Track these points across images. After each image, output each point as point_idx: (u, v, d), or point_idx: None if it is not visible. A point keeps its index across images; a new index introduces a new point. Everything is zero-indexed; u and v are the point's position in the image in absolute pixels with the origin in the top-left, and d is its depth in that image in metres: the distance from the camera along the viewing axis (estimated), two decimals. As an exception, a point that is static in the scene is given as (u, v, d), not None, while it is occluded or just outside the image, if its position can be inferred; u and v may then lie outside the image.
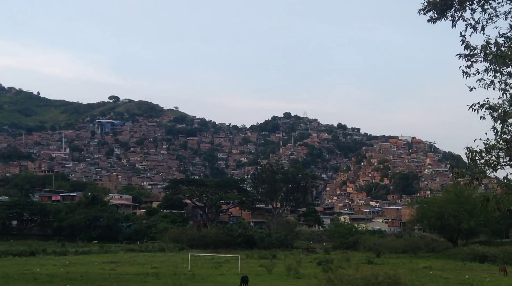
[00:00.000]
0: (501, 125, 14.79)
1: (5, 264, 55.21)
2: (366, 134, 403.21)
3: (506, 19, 14.67)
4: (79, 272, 47.26)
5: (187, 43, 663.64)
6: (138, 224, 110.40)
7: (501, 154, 14.84)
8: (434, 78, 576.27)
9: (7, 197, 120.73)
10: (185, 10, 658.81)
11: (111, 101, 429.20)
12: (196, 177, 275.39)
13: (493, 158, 14.81)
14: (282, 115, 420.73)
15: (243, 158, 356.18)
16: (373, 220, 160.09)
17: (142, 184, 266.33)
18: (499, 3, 14.57)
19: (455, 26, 14.77)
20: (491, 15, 14.68)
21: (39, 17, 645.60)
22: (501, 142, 14.76)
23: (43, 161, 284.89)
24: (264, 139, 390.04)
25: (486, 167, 14.91)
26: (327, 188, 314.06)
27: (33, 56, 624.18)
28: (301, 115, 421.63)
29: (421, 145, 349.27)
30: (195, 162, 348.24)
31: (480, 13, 14.72)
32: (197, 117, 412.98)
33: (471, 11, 14.77)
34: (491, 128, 14.92)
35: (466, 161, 15.47)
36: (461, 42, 14.44)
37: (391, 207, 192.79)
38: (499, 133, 14.83)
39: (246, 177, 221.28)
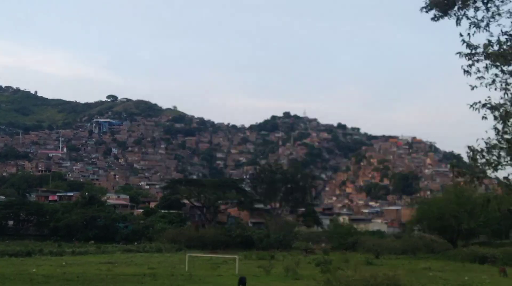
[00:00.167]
0: (502, 125, 14.56)
1: (1, 264, 54.91)
2: (366, 134, 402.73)
3: (509, 17, 14.45)
4: (76, 272, 46.97)
5: (186, 42, 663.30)
6: (135, 224, 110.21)
7: (502, 153, 14.62)
8: (435, 77, 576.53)
9: (3, 197, 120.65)
10: (183, 8, 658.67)
11: (109, 100, 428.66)
12: (195, 177, 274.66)
13: (494, 157, 14.59)
14: (282, 115, 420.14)
15: (242, 158, 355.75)
16: (372, 220, 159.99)
17: (140, 184, 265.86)
18: (502, 1, 14.33)
19: (459, 24, 14.54)
20: (494, 14, 14.46)
21: (37, 16, 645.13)
22: (502, 142, 14.53)
23: (40, 160, 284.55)
24: (263, 138, 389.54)
25: (487, 167, 14.68)
26: (327, 188, 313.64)
27: (30, 55, 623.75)
28: (301, 115, 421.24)
29: (422, 145, 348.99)
30: (193, 161, 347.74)
31: (484, 12, 14.50)
32: (195, 117, 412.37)
33: (474, 9, 14.54)
34: (493, 128, 14.69)
35: (467, 161, 15.26)
36: (462, 41, 14.20)
37: (390, 208, 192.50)
38: (500, 133, 14.61)
39: (245, 177, 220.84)
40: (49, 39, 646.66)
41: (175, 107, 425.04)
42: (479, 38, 14.34)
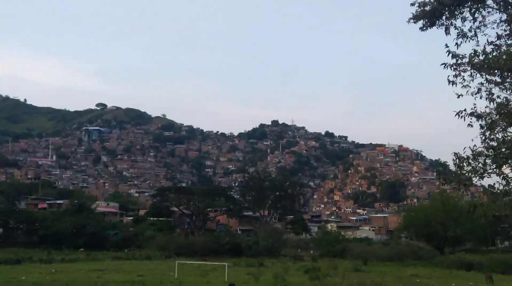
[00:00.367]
0: (488, 133, 14.96)
1: (-10, 272, 54.76)
2: (353, 142, 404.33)
3: (494, 27, 14.87)
4: (66, 280, 47.01)
5: (175, 51, 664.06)
6: (125, 232, 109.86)
7: (488, 161, 15.00)
8: (421, 86, 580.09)
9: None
10: (173, 18, 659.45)
11: (98, 108, 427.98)
12: (184, 184, 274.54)
13: (480, 165, 14.98)
14: (270, 123, 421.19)
15: (230, 166, 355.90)
16: (360, 228, 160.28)
17: (129, 191, 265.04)
18: (488, 12, 14.76)
19: (449, 33, 14.94)
20: (481, 24, 14.88)
21: (26, 24, 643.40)
22: (488, 150, 14.92)
23: (30, 168, 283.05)
24: (251, 146, 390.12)
25: (473, 174, 15.06)
26: (315, 196, 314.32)
27: (20, 62, 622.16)
28: (289, 123, 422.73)
29: (408, 153, 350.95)
30: (182, 169, 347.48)
31: (470, 22, 14.92)
32: (184, 125, 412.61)
33: (462, 19, 14.95)
34: (479, 135, 15.10)
35: (453, 168, 15.63)
36: (447, 52, 14.61)
37: (378, 215, 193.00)
38: (486, 140, 15.00)
39: (233, 184, 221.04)
40: (39, 47, 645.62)
41: (164, 115, 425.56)
42: (466, 48, 14.78)
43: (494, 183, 15.05)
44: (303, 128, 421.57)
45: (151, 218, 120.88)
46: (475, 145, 15.03)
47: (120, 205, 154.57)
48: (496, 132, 15.02)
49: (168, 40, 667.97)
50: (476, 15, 14.86)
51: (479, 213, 15.24)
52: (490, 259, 70.16)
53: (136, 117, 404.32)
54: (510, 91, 14.69)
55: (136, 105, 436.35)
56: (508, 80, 14.59)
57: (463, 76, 14.89)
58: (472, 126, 14.97)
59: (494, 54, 14.70)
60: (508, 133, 14.85)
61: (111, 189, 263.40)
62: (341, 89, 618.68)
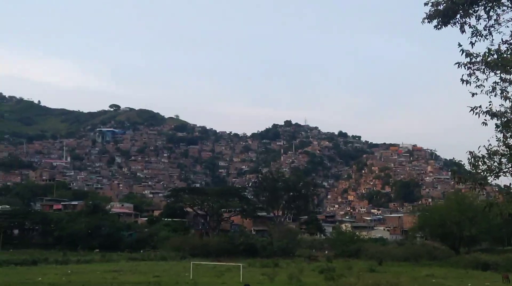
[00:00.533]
0: (504, 131, 14.88)
1: (7, 273, 55.18)
2: (367, 142, 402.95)
3: (508, 26, 14.80)
4: (81, 281, 47.32)
5: (188, 51, 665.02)
6: (139, 233, 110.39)
7: (504, 160, 14.93)
8: (435, 85, 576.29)
9: (8, 206, 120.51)
10: (185, 18, 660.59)
11: (111, 109, 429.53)
12: (198, 185, 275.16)
13: (495, 164, 14.91)
14: (283, 123, 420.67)
15: (244, 166, 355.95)
16: (374, 228, 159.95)
17: (144, 192, 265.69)
18: (503, 10, 14.69)
19: (464, 32, 14.88)
20: (495, 23, 14.81)
21: (40, 26, 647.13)
22: (503, 148, 14.85)
23: (44, 170, 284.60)
24: (265, 147, 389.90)
25: (488, 173, 14.99)
26: (329, 196, 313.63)
27: (33, 65, 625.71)
28: (302, 123, 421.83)
29: (422, 153, 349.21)
30: (196, 170, 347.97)
31: (485, 20, 14.85)
32: (198, 126, 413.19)
33: (476, 18, 14.89)
34: (495, 133, 15.01)
35: (468, 168, 15.55)
36: (461, 51, 14.56)
37: (392, 215, 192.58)
38: (502, 139, 14.92)
39: (247, 185, 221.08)
40: (52, 49, 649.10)
41: (177, 116, 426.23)
42: (480, 47, 14.71)
43: (510, 183, 14.97)
44: (316, 128, 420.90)
45: (166, 219, 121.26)
46: (490, 144, 14.96)
47: (135, 206, 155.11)
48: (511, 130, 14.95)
49: (181, 40, 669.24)
50: (491, 13, 14.79)
51: (495, 212, 15.15)
52: (507, 259, 69.80)
53: (149, 118, 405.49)
54: (525, 89, 14.61)
55: (149, 106, 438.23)
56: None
57: (477, 76, 14.84)
58: (486, 124, 14.88)
59: (509, 52, 14.64)
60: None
61: (126, 190, 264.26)
62: (355, 89, 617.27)
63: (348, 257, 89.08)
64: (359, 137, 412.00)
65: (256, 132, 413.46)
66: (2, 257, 71.73)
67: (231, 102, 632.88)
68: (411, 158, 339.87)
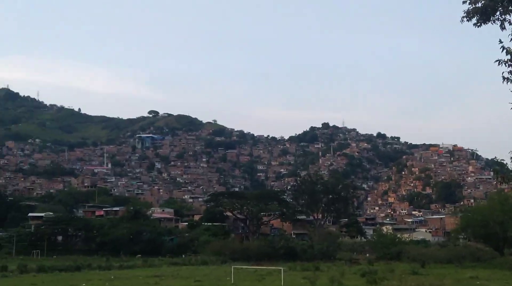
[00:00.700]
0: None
1: (52, 279, 56.08)
2: (406, 142, 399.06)
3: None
4: (124, 286, 47.86)
5: (224, 56, 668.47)
6: (180, 238, 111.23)
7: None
8: (474, 84, 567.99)
9: (52, 213, 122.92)
10: (220, 22, 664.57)
11: (150, 115, 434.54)
12: (236, 189, 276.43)
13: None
14: (320, 126, 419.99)
15: (282, 170, 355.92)
16: (416, 230, 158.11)
17: (183, 197, 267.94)
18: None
19: (504, 29, 14.72)
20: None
21: (79, 35, 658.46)
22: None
23: (86, 176, 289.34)
24: (303, 150, 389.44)
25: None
26: (369, 198, 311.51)
27: (73, 73, 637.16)
28: (340, 125, 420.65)
29: (463, 153, 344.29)
30: (234, 174, 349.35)
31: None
32: (235, 130, 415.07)
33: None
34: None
35: (511, 167, 15.35)
36: (501, 49, 14.38)
37: (434, 217, 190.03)
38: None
39: (286, 188, 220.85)
40: (91, 57, 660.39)
41: (215, 120, 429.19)
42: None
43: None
44: (354, 129, 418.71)
45: (206, 224, 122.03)
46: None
47: (175, 211, 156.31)
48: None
49: (216, 44, 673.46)
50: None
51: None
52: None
53: (187, 124, 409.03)
54: None
55: (187, 112, 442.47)
56: None
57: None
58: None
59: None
60: None
61: (166, 195, 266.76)
62: (392, 89, 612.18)
63: (389, 259, 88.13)
64: (398, 138, 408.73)
65: (293, 135, 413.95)
66: (46, 263, 72.90)
67: (268, 105, 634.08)
68: (452, 158, 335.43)
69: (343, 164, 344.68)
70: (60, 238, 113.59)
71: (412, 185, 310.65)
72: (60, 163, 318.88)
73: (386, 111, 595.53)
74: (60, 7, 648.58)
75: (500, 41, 14.46)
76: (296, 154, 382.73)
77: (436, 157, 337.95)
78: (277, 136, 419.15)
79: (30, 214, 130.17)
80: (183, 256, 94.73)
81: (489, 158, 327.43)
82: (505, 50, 14.44)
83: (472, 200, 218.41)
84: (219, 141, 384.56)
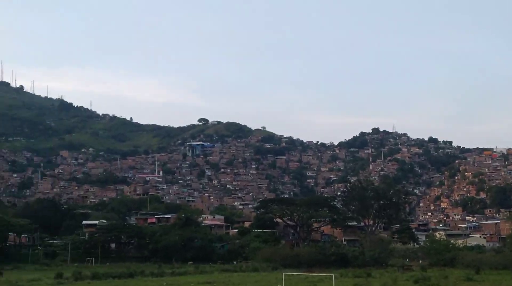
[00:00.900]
0: None
1: (106, 286, 57.27)
2: (458, 147, 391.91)
3: None
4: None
5: (271, 62, 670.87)
6: (231, 244, 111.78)
7: None
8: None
9: (105, 221, 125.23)
10: (266, 28, 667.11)
11: (200, 123, 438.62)
12: (286, 196, 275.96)
13: None
14: (370, 131, 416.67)
15: (332, 176, 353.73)
16: (470, 235, 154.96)
17: (234, 204, 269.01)
18: None
19: None
20: None
21: (130, 45, 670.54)
22: None
23: (138, 184, 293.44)
24: (352, 155, 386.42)
25: None
26: (421, 204, 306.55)
27: (124, 83, 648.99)
28: (390, 130, 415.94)
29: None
30: (284, 181, 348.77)
31: None
32: (284, 136, 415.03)
33: None
34: None
35: None
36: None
37: (488, 222, 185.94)
38: None
39: (336, 194, 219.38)
40: (142, 67, 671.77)
41: (264, 127, 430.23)
42: None
43: None
44: (405, 134, 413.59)
45: (256, 230, 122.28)
46: None
47: (225, 218, 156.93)
48: None
49: (263, 51, 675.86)
50: None
51: None
52: None
53: (236, 131, 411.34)
54: None
55: (236, 119, 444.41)
56: None
57: None
58: None
59: None
60: None
61: (216, 202, 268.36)
62: (442, 93, 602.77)
63: (443, 266, 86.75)
64: (451, 142, 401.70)
65: (343, 140, 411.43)
66: (100, 270, 74.37)
67: (316, 111, 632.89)
68: (506, 162, 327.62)
69: (394, 170, 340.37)
70: (113, 245, 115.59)
71: (465, 190, 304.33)
72: (112, 171, 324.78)
73: (437, 115, 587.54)
74: (110, 20, 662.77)
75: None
76: (346, 160, 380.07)
77: (490, 161, 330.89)
78: (327, 142, 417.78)
79: (84, 222, 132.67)
80: (234, 262, 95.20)
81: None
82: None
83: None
84: (268, 147, 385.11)
